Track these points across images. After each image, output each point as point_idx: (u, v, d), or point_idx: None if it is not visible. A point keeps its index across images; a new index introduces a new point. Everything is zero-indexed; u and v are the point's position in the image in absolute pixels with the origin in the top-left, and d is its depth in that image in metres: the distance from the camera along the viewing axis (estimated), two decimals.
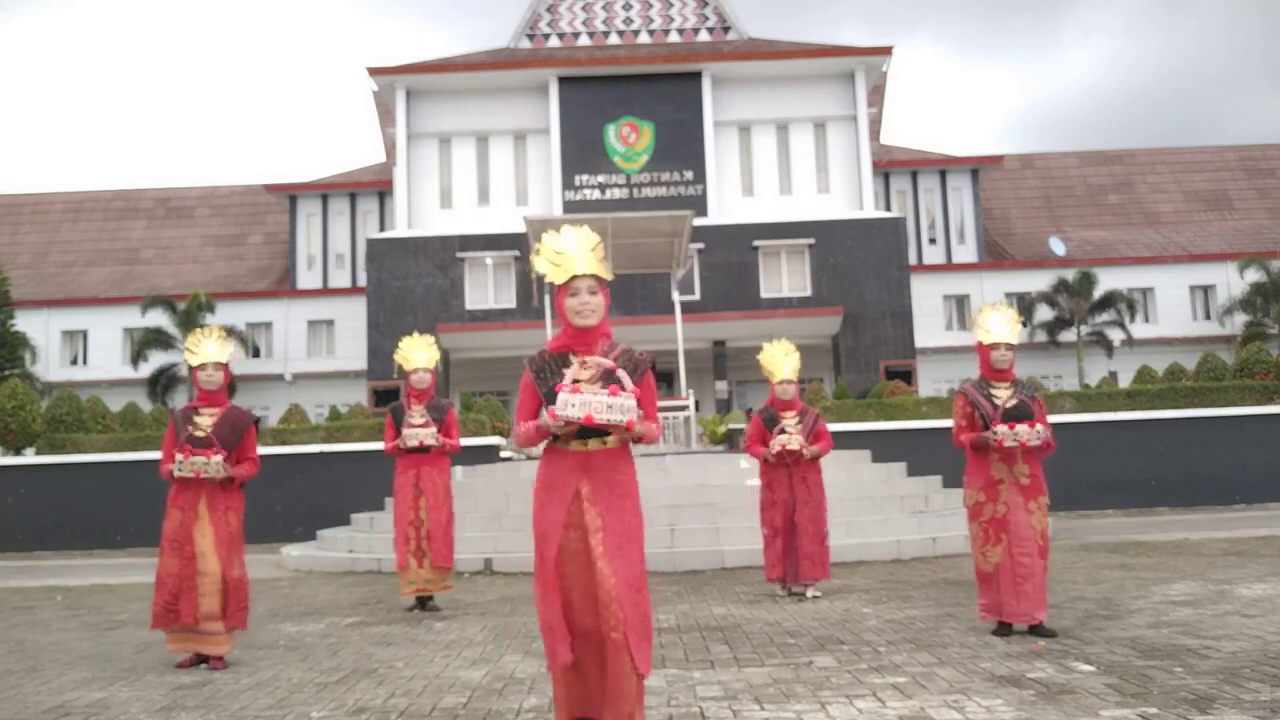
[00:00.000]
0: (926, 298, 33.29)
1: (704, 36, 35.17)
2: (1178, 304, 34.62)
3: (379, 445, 13.54)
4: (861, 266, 31.02)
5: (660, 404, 13.37)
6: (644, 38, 35.11)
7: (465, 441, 11.93)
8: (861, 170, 32.12)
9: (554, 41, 35.08)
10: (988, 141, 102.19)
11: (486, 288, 31.44)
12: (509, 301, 30.91)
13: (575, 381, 3.47)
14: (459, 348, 30.36)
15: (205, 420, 5.81)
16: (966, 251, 35.93)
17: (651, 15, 35.32)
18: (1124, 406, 18.68)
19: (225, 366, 5.95)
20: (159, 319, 32.21)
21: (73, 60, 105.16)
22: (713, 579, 9.37)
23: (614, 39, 35.10)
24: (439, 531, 7.84)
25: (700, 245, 29.52)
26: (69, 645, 6.69)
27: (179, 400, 32.73)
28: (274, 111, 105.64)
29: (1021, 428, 5.69)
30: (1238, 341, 30.56)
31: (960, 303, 34.43)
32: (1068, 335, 32.84)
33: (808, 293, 31.18)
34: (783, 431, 7.84)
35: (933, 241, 36.18)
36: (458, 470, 13.52)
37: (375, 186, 36.11)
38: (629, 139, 31.91)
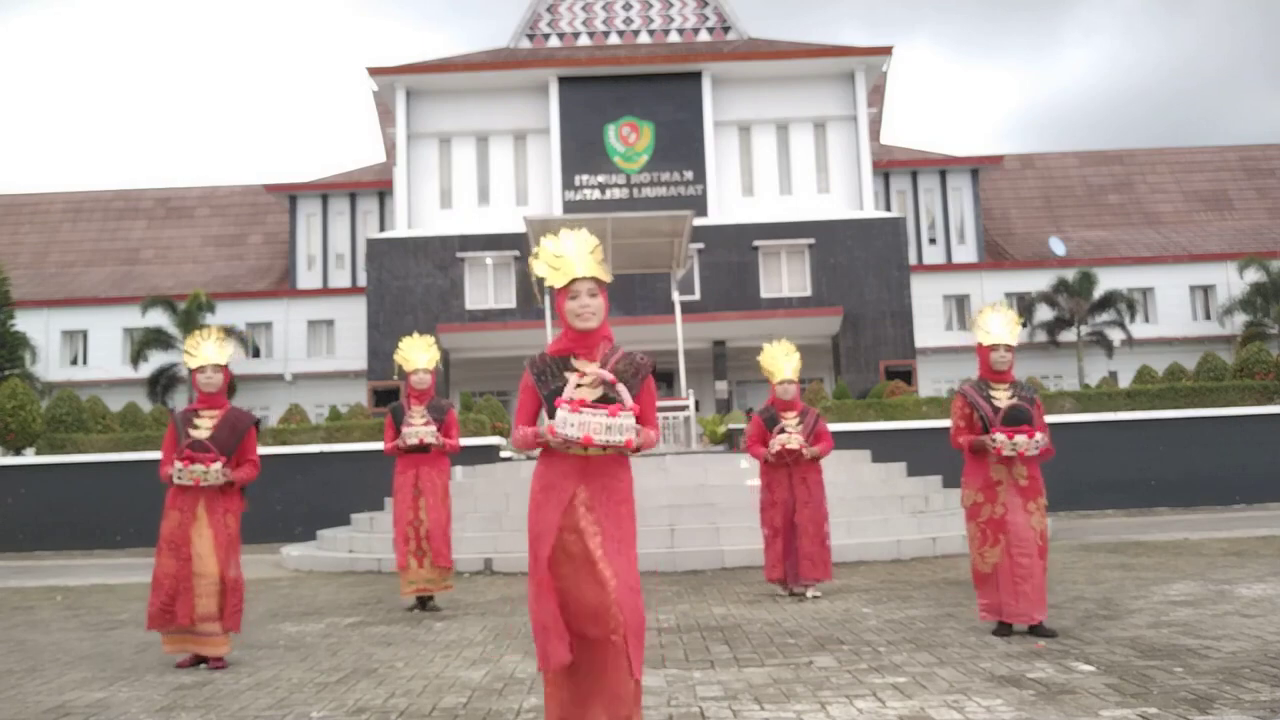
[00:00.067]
0: (926, 298, 33.30)
1: (704, 36, 35.18)
2: (1178, 304, 34.63)
3: (379, 445, 13.53)
4: (861, 266, 31.02)
5: (660, 404, 13.40)
6: (644, 38, 35.12)
7: (465, 441, 11.94)
8: (861, 170, 32.12)
9: (554, 41, 35.08)
10: (988, 141, 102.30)
11: (486, 288, 31.45)
12: (509, 301, 30.92)
13: (577, 389, 3.48)
14: (459, 348, 30.36)
15: (205, 423, 5.80)
16: (966, 251, 35.93)
17: (651, 15, 35.32)
18: (1124, 406, 18.68)
19: (225, 368, 5.94)
20: (159, 319, 32.22)
21: (73, 60, 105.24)
22: (713, 579, 9.37)
23: (614, 39, 35.11)
24: (438, 531, 7.83)
25: (700, 245, 29.52)
26: (69, 645, 6.69)
27: (179, 400, 32.75)
28: (274, 111, 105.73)
29: (1020, 438, 5.68)
30: (1238, 341, 30.57)
31: (960, 303, 34.44)
32: (1068, 335, 32.85)
33: (808, 293, 31.18)
34: (783, 431, 7.84)
35: (933, 241, 36.18)
36: (458, 470, 13.52)
37: (375, 186, 36.11)
38: (629, 139, 31.91)
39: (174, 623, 5.64)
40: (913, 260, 34.04)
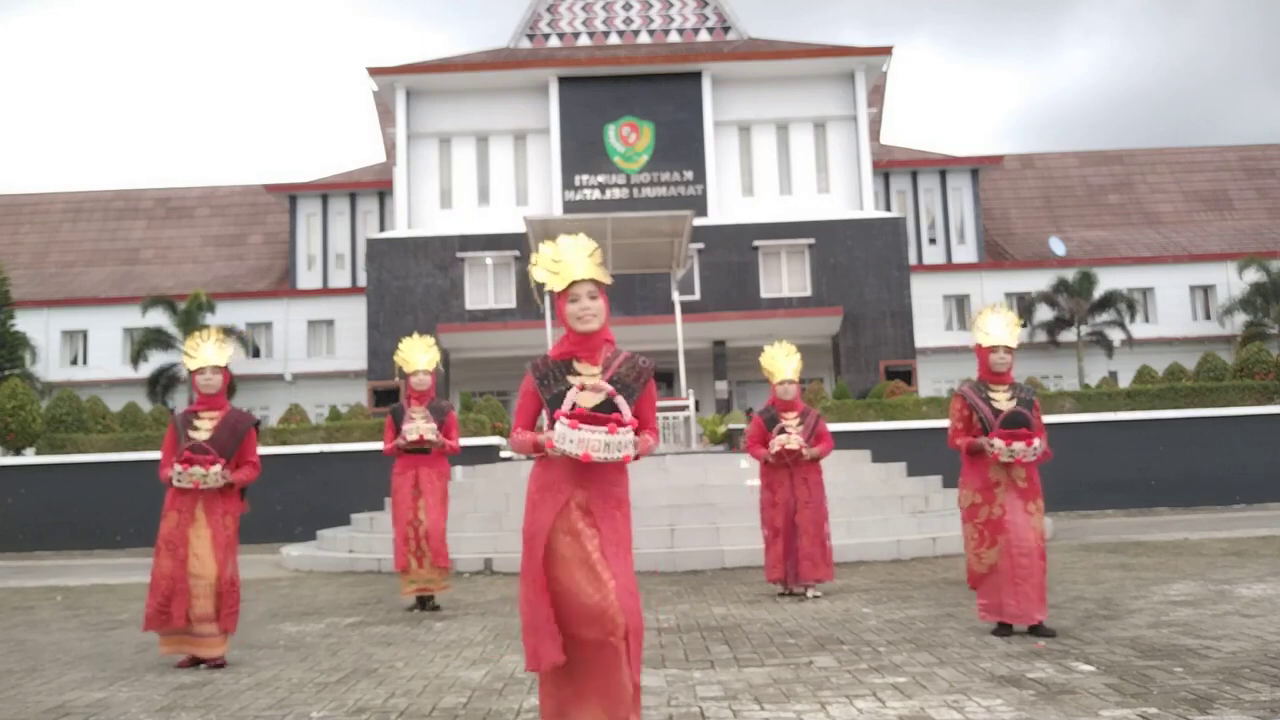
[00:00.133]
0: (926, 298, 33.30)
1: (704, 36, 35.18)
2: (1178, 304, 34.63)
3: (379, 445, 13.52)
4: (861, 266, 31.02)
5: (660, 404, 13.41)
6: (644, 38, 35.12)
7: (465, 441, 11.96)
8: (861, 170, 32.12)
9: (554, 41, 35.08)
10: (988, 141, 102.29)
11: (486, 288, 31.45)
12: (509, 301, 30.92)
13: (580, 396, 3.48)
14: (459, 348, 30.37)
15: (205, 424, 5.80)
16: (966, 251, 35.93)
17: (651, 15, 35.32)
18: (1124, 406, 18.68)
19: (224, 369, 5.93)
20: (159, 319, 32.22)
21: (73, 60, 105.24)
22: (713, 579, 9.37)
23: (614, 39, 35.11)
24: (437, 532, 7.83)
25: (700, 245, 29.52)
26: (69, 645, 6.69)
27: (179, 400, 32.75)
28: (274, 111, 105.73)
29: (1018, 445, 5.68)
30: (1238, 341, 30.57)
31: (960, 303, 34.44)
32: (1068, 335, 32.85)
33: (808, 293, 31.18)
34: (783, 432, 7.84)
35: (933, 241, 36.19)
36: (458, 470, 13.53)
37: (375, 186, 36.12)
38: (629, 139, 31.91)
39: (170, 624, 5.64)
40: (913, 260, 34.04)
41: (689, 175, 31.73)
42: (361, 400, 29.53)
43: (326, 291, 35.47)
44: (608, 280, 3.65)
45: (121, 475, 17.02)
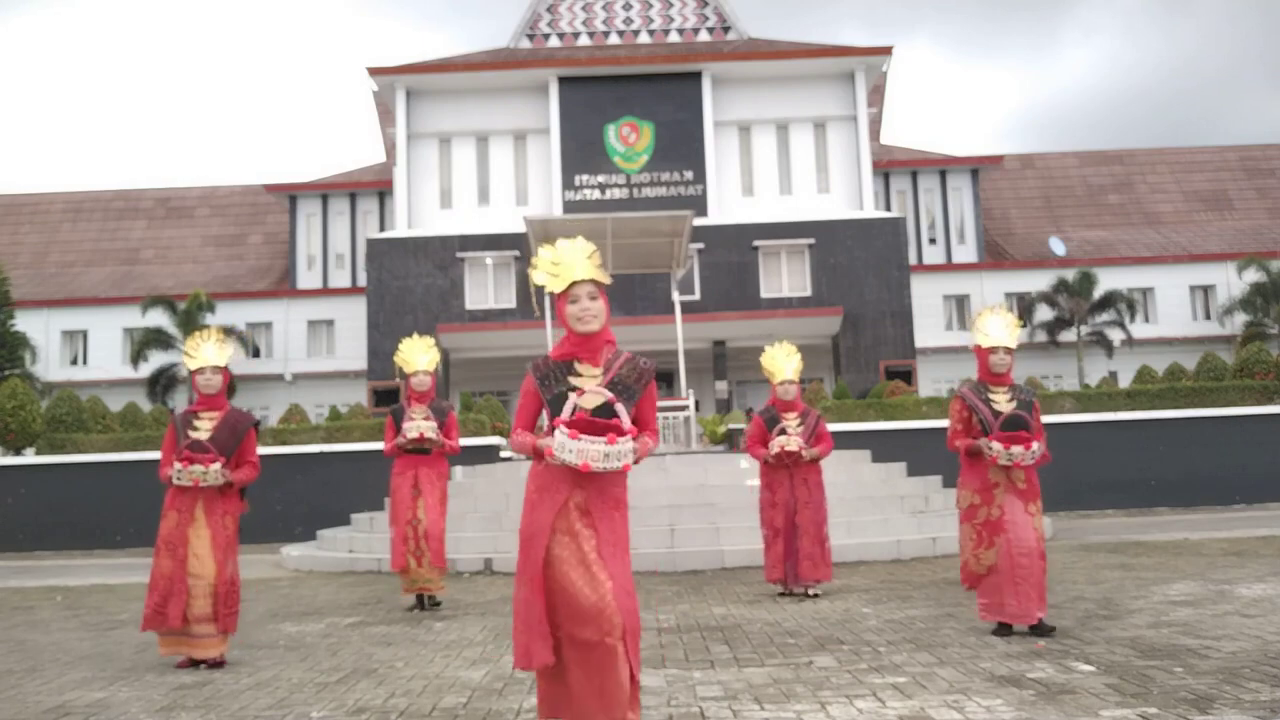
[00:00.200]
0: (926, 298, 33.30)
1: (704, 36, 35.18)
2: (1178, 304, 34.63)
3: (379, 445, 13.54)
4: (861, 266, 31.02)
5: (660, 404, 13.39)
6: (644, 38, 35.12)
7: (465, 441, 11.95)
8: (861, 170, 32.12)
9: (554, 41, 35.08)
10: (988, 141, 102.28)
11: (486, 288, 31.45)
12: (509, 301, 30.92)
13: (581, 399, 3.49)
14: (459, 348, 30.37)
15: (205, 424, 5.80)
16: (966, 251, 35.93)
17: (651, 15, 35.32)
18: (1124, 406, 18.68)
19: (224, 369, 5.93)
20: (159, 319, 32.22)
21: (73, 60, 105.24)
22: (713, 579, 9.37)
23: (614, 39, 35.10)
24: (436, 531, 7.83)
25: (700, 245, 29.52)
26: (69, 645, 6.69)
27: (179, 400, 32.75)
28: (274, 111, 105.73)
29: (1016, 449, 5.68)
30: (1238, 341, 30.57)
31: (960, 303, 34.44)
32: (1068, 335, 32.85)
33: (808, 293, 31.18)
34: (783, 432, 7.84)
35: (933, 241, 36.19)
36: (458, 470, 13.53)
37: (375, 186, 36.12)
38: (629, 139, 31.91)
39: (166, 624, 5.63)
40: (913, 260, 34.04)
41: (689, 175, 31.73)
42: (361, 400, 29.53)
43: (326, 291, 35.47)
44: (607, 280, 3.65)
45: (121, 475, 17.03)
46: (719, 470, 12.96)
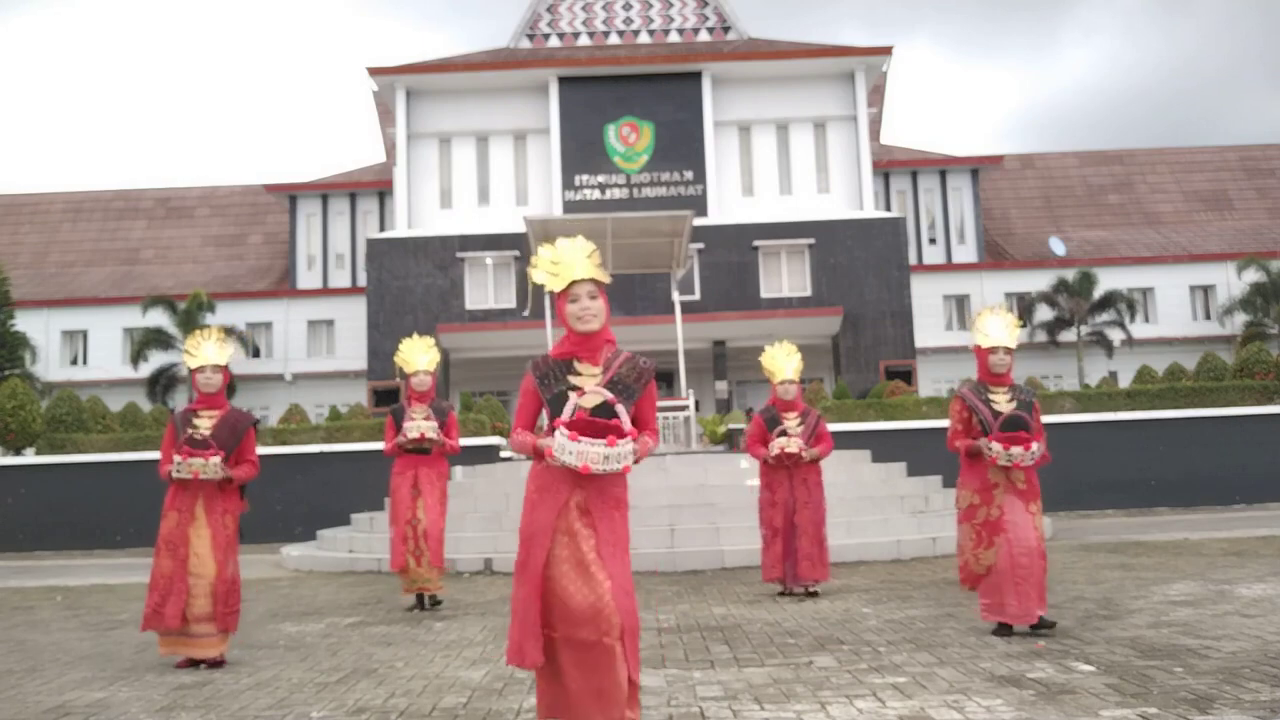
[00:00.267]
0: (926, 298, 33.30)
1: (704, 36, 35.17)
2: (1178, 304, 34.63)
3: (379, 445, 13.54)
4: (861, 266, 31.02)
5: (660, 404, 13.39)
6: (644, 38, 35.12)
7: (465, 441, 11.95)
8: (861, 170, 32.12)
9: (554, 41, 35.08)
10: (988, 141, 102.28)
11: (486, 288, 31.45)
12: (509, 301, 30.92)
13: (581, 398, 3.48)
14: (459, 348, 30.36)
15: (204, 423, 5.80)
16: (966, 251, 35.93)
17: (651, 15, 35.32)
18: (1124, 406, 18.68)
19: (224, 369, 5.94)
20: (159, 319, 32.23)
21: (73, 60, 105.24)
22: (713, 579, 9.38)
23: (614, 39, 35.10)
24: (436, 531, 7.84)
25: (700, 245, 29.52)
26: (69, 645, 6.69)
27: (179, 400, 32.74)
28: (274, 111, 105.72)
29: (1016, 450, 5.68)
30: (1238, 341, 30.57)
31: (960, 303, 34.44)
32: (1068, 335, 32.85)
33: (808, 293, 31.18)
34: (784, 433, 7.84)
35: (933, 241, 36.19)
36: (458, 470, 13.53)
37: (375, 186, 36.12)
38: (629, 139, 31.91)
39: (164, 623, 5.64)
40: (913, 260, 34.04)
41: (689, 175, 31.73)
42: (361, 400, 29.53)
43: (326, 291, 35.47)
44: (607, 280, 3.65)
45: (121, 475, 17.03)
46: (719, 470, 12.96)
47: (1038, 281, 33.74)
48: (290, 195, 36.74)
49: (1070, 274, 33.00)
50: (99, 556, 15.81)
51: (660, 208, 29.32)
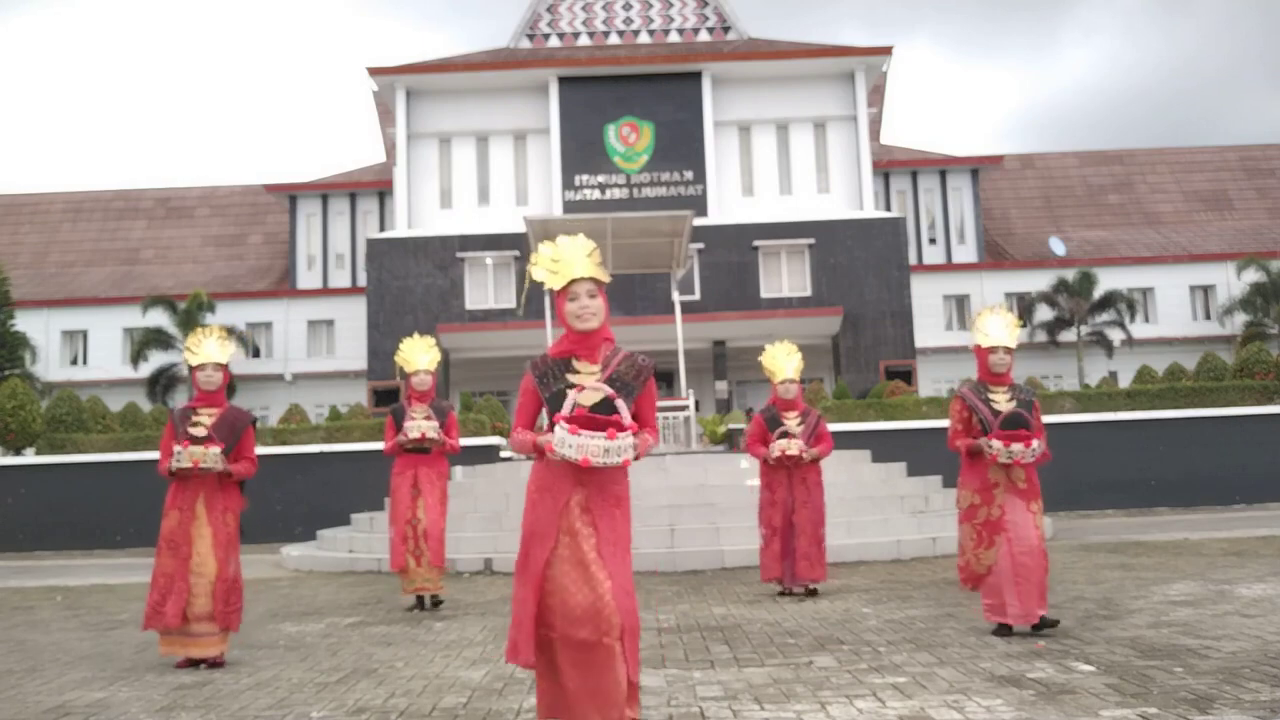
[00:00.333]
0: (926, 298, 33.30)
1: (704, 36, 35.18)
2: (1178, 304, 34.63)
3: (379, 445, 13.53)
4: (861, 266, 31.02)
5: (660, 404, 13.39)
6: (644, 38, 35.12)
7: (465, 441, 11.95)
8: (861, 170, 32.12)
9: (554, 41, 35.08)
10: (988, 141, 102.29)
11: (486, 288, 31.45)
12: (509, 302, 30.91)
13: (579, 396, 3.48)
14: (459, 348, 30.36)
15: (204, 420, 5.81)
16: (966, 251, 35.93)
17: (651, 15, 35.32)
18: (1124, 406, 18.68)
19: (225, 367, 5.95)
20: (159, 319, 32.23)
21: (73, 60, 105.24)
22: (713, 579, 9.38)
23: (614, 39, 35.10)
24: (436, 531, 7.84)
25: (700, 245, 29.52)
26: (69, 645, 6.69)
27: (179, 400, 32.73)
28: (274, 111, 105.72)
29: (1016, 446, 5.67)
30: (1238, 341, 30.57)
31: (960, 303, 34.44)
32: (1068, 335, 32.85)
33: (808, 293, 31.18)
34: (784, 435, 7.83)
35: (933, 241, 36.19)
36: (458, 470, 13.53)
37: (375, 186, 36.12)
38: (629, 139, 31.91)
39: (164, 622, 5.64)
40: (913, 260, 34.04)
41: (689, 175, 31.73)
42: (361, 400, 29.53)
43: (326, 291, 35.47)
44: (607, 279, 3.65)
45: (121, 475, 17.03)
46: (719, 470, 12.96)
47: (1038, 281, 33.74)
48: (290, 195, 36.74)
49: (1070, 274, 33.00)
50: (99, 556, 15.81)
51: (660, 208, 29.32)
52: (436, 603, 7.98)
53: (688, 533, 10.80)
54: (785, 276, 31.48)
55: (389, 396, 27.68)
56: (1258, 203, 39.73)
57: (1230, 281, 33.76)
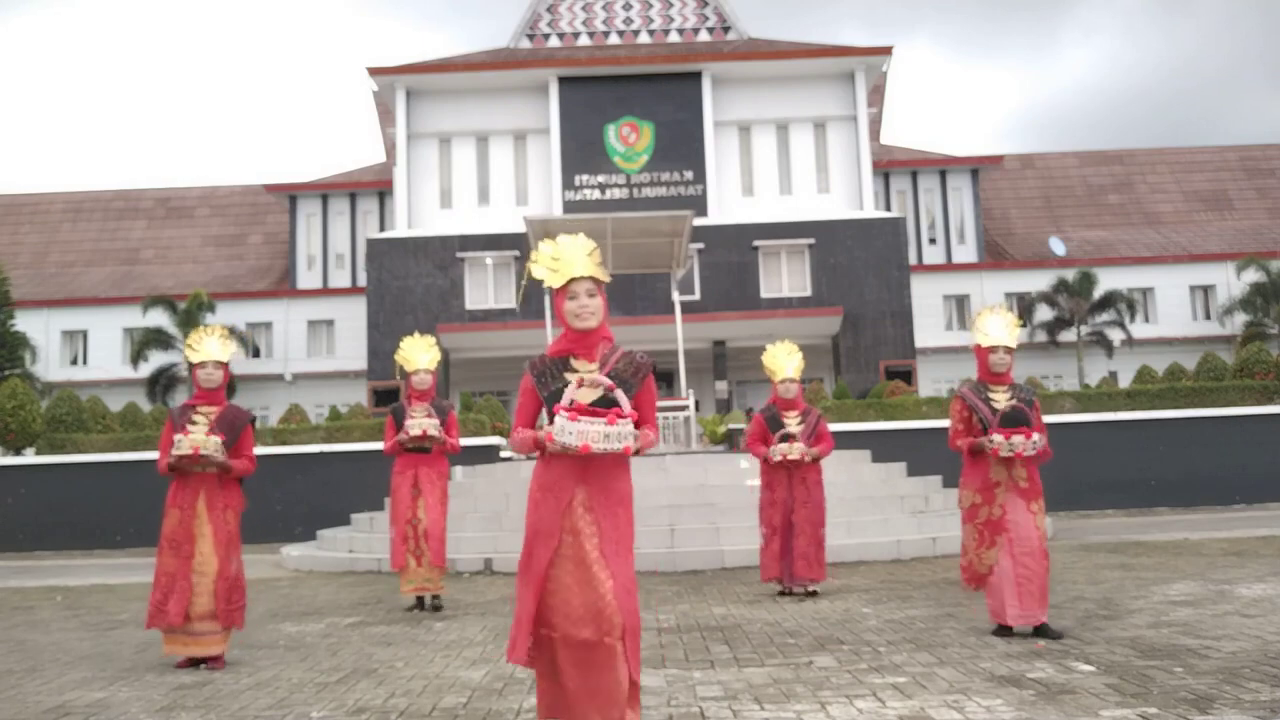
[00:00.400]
0: (926, 298, 33.30)
1: (704, 36, 35.17)
2: (1178, 304, 34.62)
3: (379, 445, 13.53)
4: (861, 266, 31.02)
5: (660, 404, 13.40)
6: (644, 38, 35.11)
7: (465, 441, 11.96)
8: (861, 170, 32.12)
9: (554, 41, 35.08)
10: (988, 141, 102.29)
11: (486, 288, 31.44)
12: (509, 302, 30.92)
13: (578, 393, 3.48)
14: (459, 348, 30.36)
15: (203, 418, 5.81)
16: (966, 251, 35.93)
17: (651, 15, 35.32)
18: (1124, 406, 18.68)
19: (225, 366, 5.95)
20: (159, 319, 32.23)
21: (73, 60, 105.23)
22: (713, 579, 9.37)
23: (614, 39, 35.10)
24: (436, 531, 7.83)
25: (700, 245, 29.52)
26: (69, 645, 6.69)
27: (179, 400, 32.74)
28: (274, 111, 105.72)
29: (1017, 439, 5.67)
30: (1238, 341, 30.57)
31: (960, 303, 34.44)
32: (1068, 335, 32.84)
33: (808, 293, 31.18)
34: (785, 437, 7.82)
35: (933, 241, 36.19)
36: (458, 470, 13.53)
37: (375, 186, 36.11)
38: (629, 139, 31.91)
39: (166, 620, 5.64)
40: (913, 260, 34.04)
41: (689, 175, 31.73)
42: (361, 400, 29.54)
43: (326, 291, 35.47)
44: (606, 278, 3.65)
45: (121, 475, 17.03)
46: (719, 470, 12.96)
47: (1038, 281, 33.74)
48: (290, 195, 36.74)
49: (1070, 274, 33.00)
50: (99, 556, 15.80)
51: (660, 208, 29.32)
52: (437, 606, 7.98)
53: (688, 533, 10.80)
54: (785, 276, 31.48)
55: (389, 396, 27.69)
56: (1258, 203, 39.73)
57: (1230, 281, 33.75)
